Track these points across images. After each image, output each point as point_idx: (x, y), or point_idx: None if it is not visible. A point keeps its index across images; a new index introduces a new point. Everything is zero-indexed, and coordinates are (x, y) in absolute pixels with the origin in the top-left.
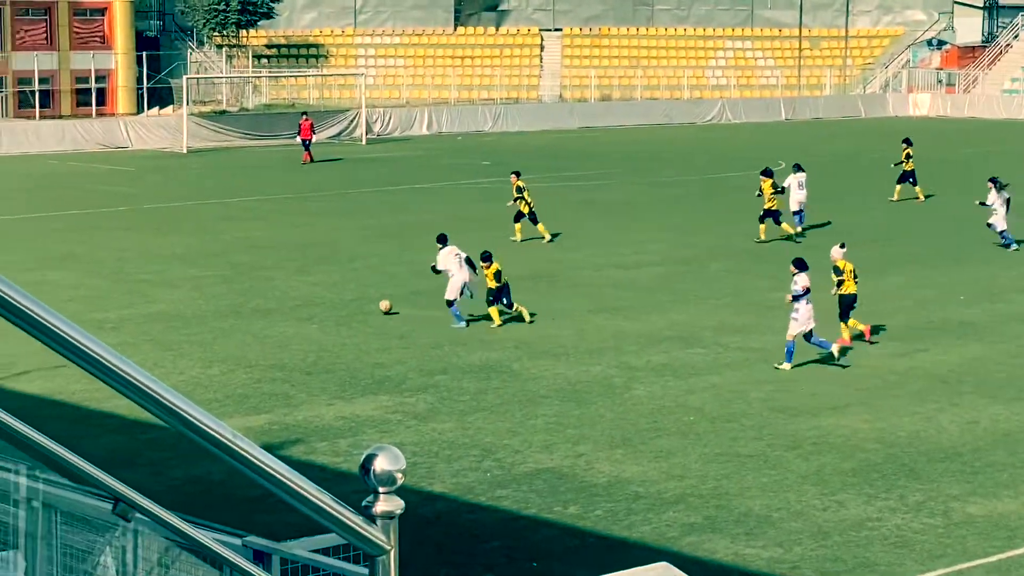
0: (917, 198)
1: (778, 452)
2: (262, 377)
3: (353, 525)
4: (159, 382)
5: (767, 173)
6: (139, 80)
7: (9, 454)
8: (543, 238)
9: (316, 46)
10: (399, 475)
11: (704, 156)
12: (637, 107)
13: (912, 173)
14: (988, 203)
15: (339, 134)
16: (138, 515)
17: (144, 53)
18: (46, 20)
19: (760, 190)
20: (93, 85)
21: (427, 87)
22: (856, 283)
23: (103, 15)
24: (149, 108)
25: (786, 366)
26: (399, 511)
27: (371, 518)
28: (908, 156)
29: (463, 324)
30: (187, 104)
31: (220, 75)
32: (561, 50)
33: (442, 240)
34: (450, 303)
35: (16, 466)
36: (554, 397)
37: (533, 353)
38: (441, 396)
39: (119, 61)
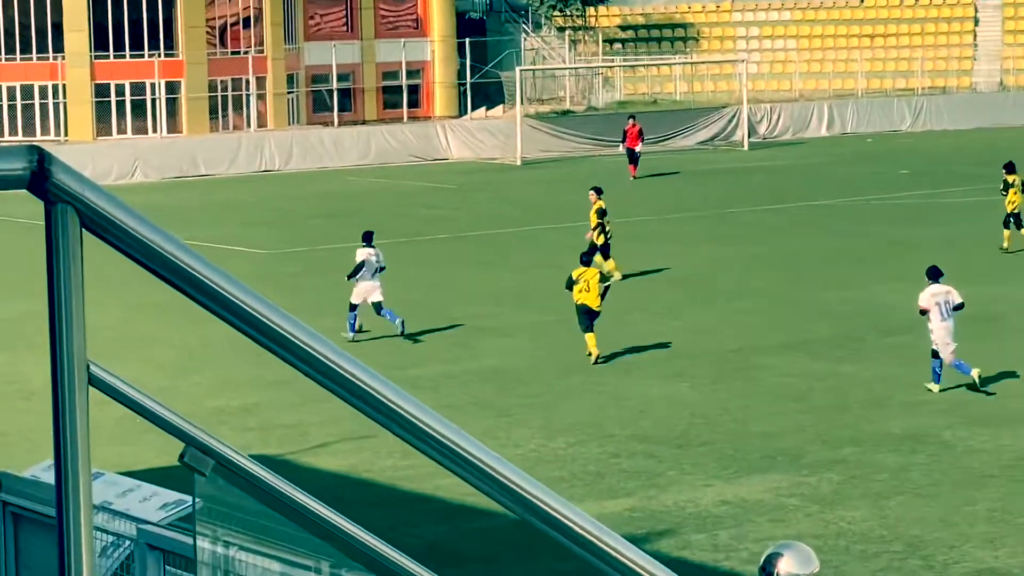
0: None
1: None
2: (620, 450)
3: None
4: (493, 454)
5: (1009, 168)
6: (460, 74)
7: (310, 546)
8: (610, 276)
9: (683, 26)
10: None
11: None
12: None
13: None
14: None
15: (713, 137)
16: None
17: (467, 40)
18: (346, 2)
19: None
20: (404, 82)
21: (826, 75)
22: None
23: None
24: (473, 109)
25: (934, 387)
26: None
27: None
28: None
29: (350, 335)
30: (521, 103)
31: (562, 66)
32: (1002, 24)
33: (367, 238)
34: (353, 307)
35: (318, 562)
36: (1001, 476)
37: (972, 418)
38: (851, 474)
39: (436, 51)
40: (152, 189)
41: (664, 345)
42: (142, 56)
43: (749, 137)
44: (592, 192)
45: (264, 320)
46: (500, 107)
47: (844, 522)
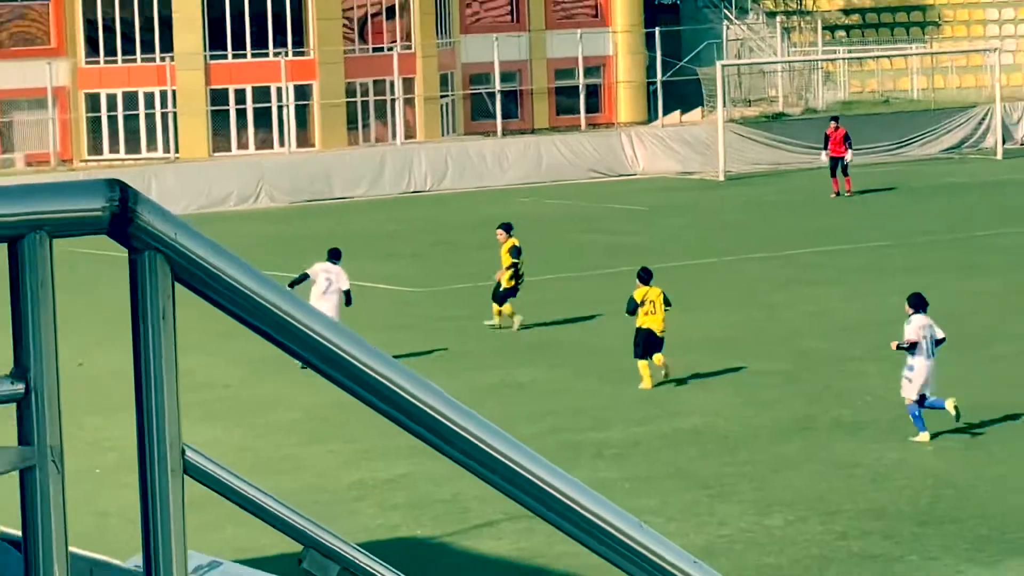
0: None
1: None
2: (849, 529)
3: None
4: (680, 551)
5: None
6: (650, 72)
7: None
8: (507, 322)
9: (921, 9)
10: None
11: None
12: None
13: None
14: None
15: (960, 143)
16: None
17: (657, 30)
18: None
19: None
20: (581, 81)
21: None
22: None
23: None
24: (665, 113)
25: (923, 436)
26: None
27: None
28: None
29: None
30: (723, 106)
31: (773, 59)
32: None
33: (334, 256)
34: None
35: None
36: None
37: None
38: None
39: (619, 44)
40: (278, 216)
41: (903, 401)
42: (266, 56)
43: (1004, 143)
44: (500, 230)
45: (394, 389)
46: (698, 110)
47: None
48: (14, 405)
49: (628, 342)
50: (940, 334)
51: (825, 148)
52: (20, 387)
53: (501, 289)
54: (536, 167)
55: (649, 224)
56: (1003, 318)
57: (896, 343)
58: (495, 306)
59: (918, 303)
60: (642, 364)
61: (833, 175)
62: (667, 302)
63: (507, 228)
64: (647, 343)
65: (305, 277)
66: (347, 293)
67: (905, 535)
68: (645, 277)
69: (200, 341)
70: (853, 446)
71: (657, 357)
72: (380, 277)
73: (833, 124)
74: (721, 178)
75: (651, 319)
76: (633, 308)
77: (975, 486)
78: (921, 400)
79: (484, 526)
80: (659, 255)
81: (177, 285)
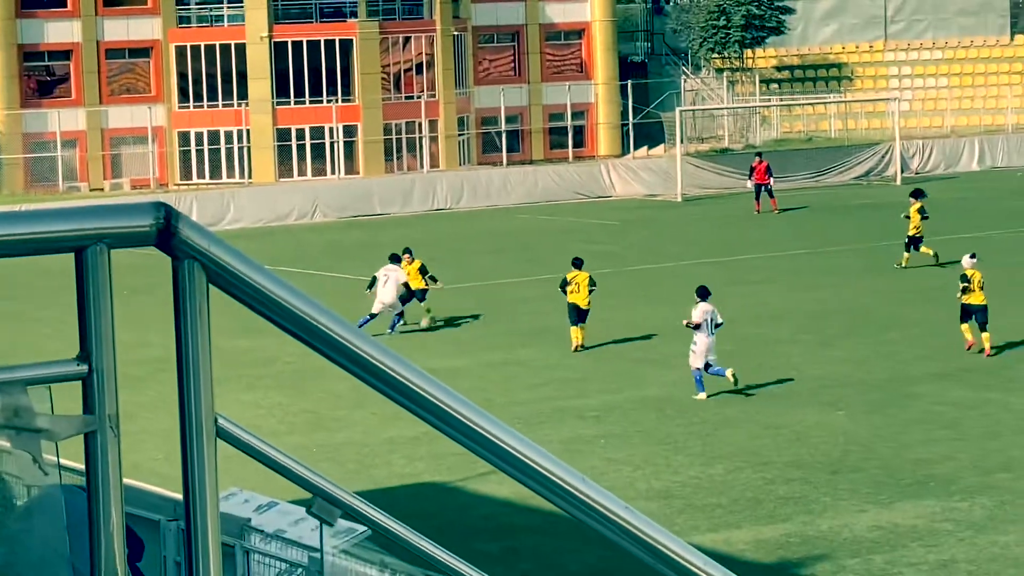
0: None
1: None
2: (776, 477)
3: None
4: (614, 498)
5: (916, 195)
6: (623, 115)
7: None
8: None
9: (838, 66)
10: None
11: None
12: None
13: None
14: None
15: (868, 173)
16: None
17: (629, 82)
18: (513, 47)
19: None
20: (569, 123)
21: (977, 112)
22: (983, 294)
23: (580, 38)
24: (635, 148)
25: (701, 395)
26: None
27: None
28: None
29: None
30: (681, 142)
31: (720, 106)
32: None
33: (394, 259)
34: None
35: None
36: None
37: None
38: (1003, 500)
39: (599, 93)
40: (330, 228)
41: (819, 375)
42: (321, 102)
43: (902, 172)
44: (406, 256)
45: (391, 374)
46: (661, 146)
47: (997, 547)
48: (80, 382)
49: (606, 328)
50: (720, 319)
51: (750, 177)
52: (84, 368)
53: (420, 291)
54: (533, 190)
55: (621, 236)
56: (899, 310)
57: (686, 321)
58: (422, 303)
59: (704, 293)
60: (573, 330)
61: (757, 198)
62: (592, 283)
63: (410, 252)
64: (576, 313)
65: (375, 279)
66: (405, 284)
67: (820, 481)
68: (578, 263)
69: (266, 326)
70: (780, 411)
71: (576, 331)
72: None
73: (757, 159)
74: (679, 200)
75: (577, 296)
76: (562, 285)
77: (876, 443)
78: (706, 367)
79: (489, 474)
80: (628, 260)
81: (211, 287)
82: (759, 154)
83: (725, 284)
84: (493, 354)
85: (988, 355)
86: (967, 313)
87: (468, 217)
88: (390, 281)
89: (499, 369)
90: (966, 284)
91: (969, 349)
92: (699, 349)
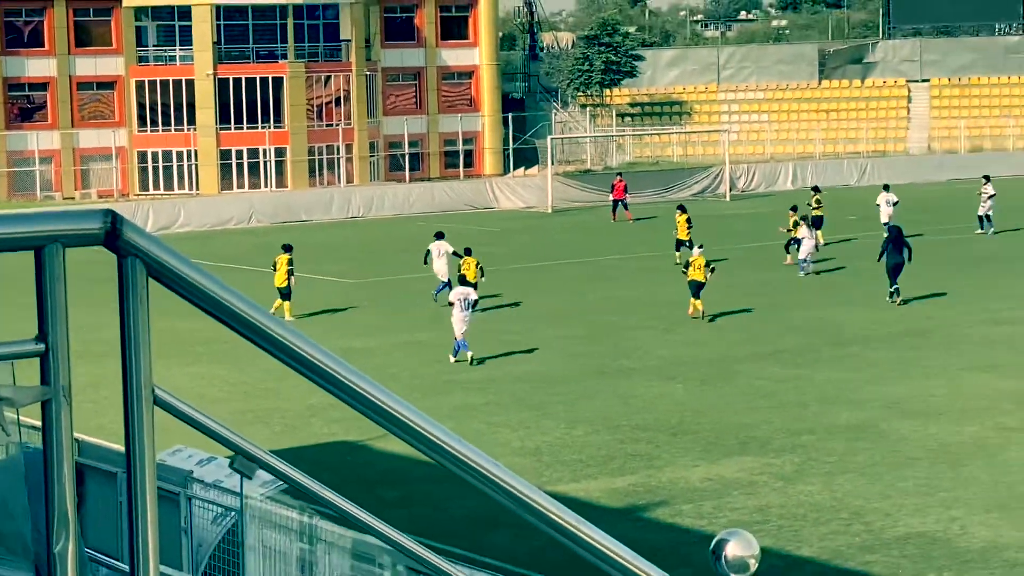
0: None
1: None
2: (626, 438)
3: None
4: (484, 455)
5: (682, 208)
6: (505, 141)
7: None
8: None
9: (679, 103)
10: (752, 561)
11: None
12: (1010, 158)
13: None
14: None
15: (703, 191)
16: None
17: (510, 115)
18: (415, 85)
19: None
20: (461, 147)
21: (791, 142)
22: (700, 272)
23: (470, 79)
24: (515, 168)
25: (462, 356)
26: None
27: None
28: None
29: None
30: (552, 164)
31: (584, 135)
32: (929, 101)
33: (439, 235)
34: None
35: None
36: (925, 459)
37: (904, 413)
38: (808, 457)
39: (486, 123)
40: (264, 232)
41: (663, 355)
42: (256, 128)
43: (731, 190)
44: (468, 256)
45: (299, 351)
46: (536, 167)
47: (803, 495)
48: (38, 359)
49: (495, 316)
50: (474, 296)
51: (612, 192)
52: (42, 346)
53: (286, 289)
54: (431, 203)
55: (503, 240)
56: (728, 301)
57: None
58: (285, 303)
59: (462, 280)
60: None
61: (614, 210)
62: (482, 272)
63: (288, 248)
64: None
65: (428, 252)
66: (454, 253)
67: (662, 442)
68: (468, 251)
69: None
70: (631, 384)
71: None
72: (331, 272)
73: (618, 178)
74: (550, 211)
75: (467, 272)
76: (425, 258)
77: (707, 410)
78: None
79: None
80: (509, 260)
81: (151, 280)
82: (620, 174)
83: (587, 280)
84: (398, 336)
85: (692, 315)
86: (694, 287)
87: (378, 224)
88: (440, 253)
89: (403, 348)
90: (688, 268)
91: (691, 315)
92: (456, 322)
